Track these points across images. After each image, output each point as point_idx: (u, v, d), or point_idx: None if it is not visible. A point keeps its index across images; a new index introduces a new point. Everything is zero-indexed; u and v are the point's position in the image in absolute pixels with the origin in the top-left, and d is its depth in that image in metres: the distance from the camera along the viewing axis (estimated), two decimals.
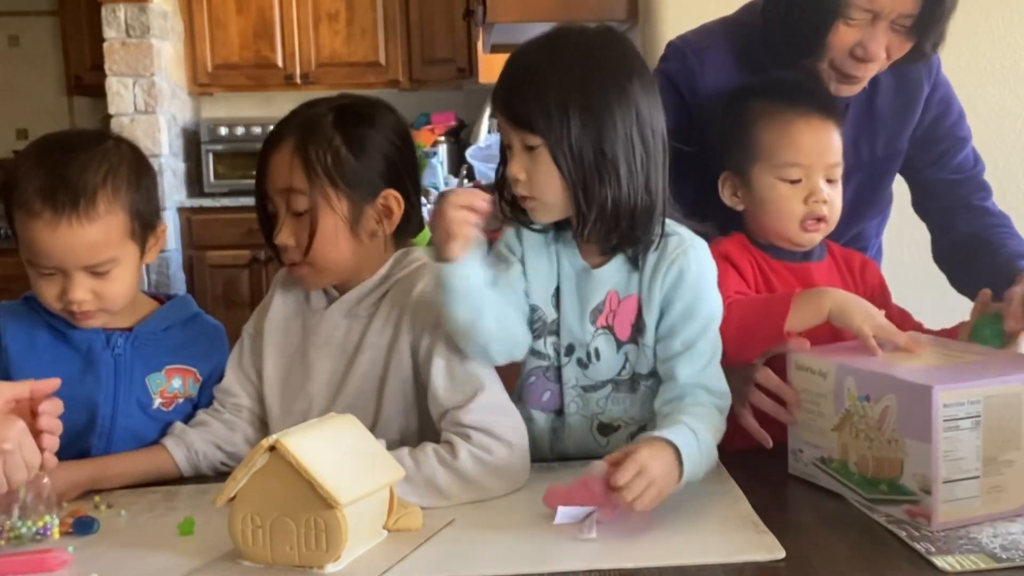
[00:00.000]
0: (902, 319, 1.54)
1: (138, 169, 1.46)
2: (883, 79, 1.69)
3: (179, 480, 1.45)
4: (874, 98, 1.70)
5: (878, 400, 1.22)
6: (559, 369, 1.42)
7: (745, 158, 1.53)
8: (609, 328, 1.39)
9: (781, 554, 1.11)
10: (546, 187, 1.32)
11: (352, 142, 1.42)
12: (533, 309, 1.42)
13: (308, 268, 1.44)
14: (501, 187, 1.39)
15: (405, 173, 1.47)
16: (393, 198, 1.45)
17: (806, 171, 1.49)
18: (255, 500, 1.12)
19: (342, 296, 1.48)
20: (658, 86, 1.69)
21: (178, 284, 5.05)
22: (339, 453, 1.15)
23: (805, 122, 1.50)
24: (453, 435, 1.33)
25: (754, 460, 1.40)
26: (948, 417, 1.15)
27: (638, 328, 1.38)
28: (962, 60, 2.59)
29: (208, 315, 1.62)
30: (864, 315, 1.34)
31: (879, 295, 1.58)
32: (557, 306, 1.41)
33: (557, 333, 1.41)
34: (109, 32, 4.86)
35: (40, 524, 1.20)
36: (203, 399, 1.54)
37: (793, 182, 1.50)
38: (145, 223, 1.45)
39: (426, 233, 1.54)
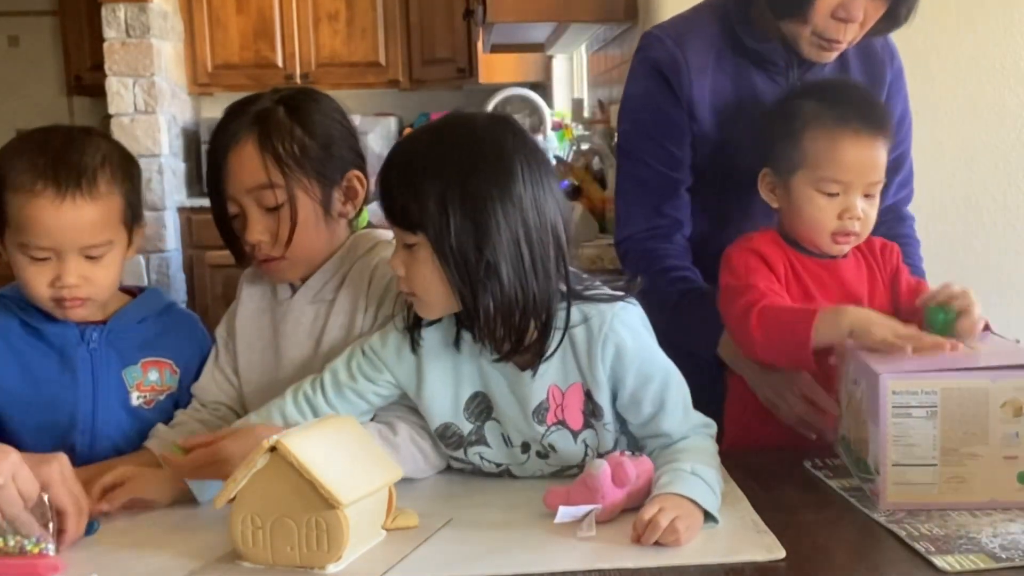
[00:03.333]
0: (917, 288, 1.56)
1: (129, 160, 1.48)
2: (851, 56, 1.72)
3: None
4: (846, 72, 1.72)
5: (859, 383, 1.31)
6: (505, 469, 1.38)
7: (788, 162, 1.53)
8: (561, 423, 1.33)
9: (781, 554, 1.11)
10: (426, 284, 1.26)
11: (310, 130, 1.44)
12: (445, 428, 1.36)
13: (285, 261, 1.45)
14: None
15: (357, 153, 1.50)
16: (356, 178, 1.48)
17: (845, 187, 1.49)
18: (255, 501, 1.12)
19: (305, 284, 1.50)
20: (643, 74, 1.72)
21: (178, 284, 5.05)
22: (339, 453, 1.15)
23: (854, 138, 1.48)
24: (394, 416, 1.38)
25: (754, 460, 1.40)
26: (898, 404, 1.22)
27: (591, 413, 1.32)
28: (962, 60, 2.60)
29: (181, 306, 1.62)
30: (885, 328, 1.32)
31: (898, 273, 1.59)
32: (481, 412, 1.35)
33: (483, 442, 1.36)
34: (109, 32, 4.86)
35: (36, 550, 1.17)
36: (184, 392, 1.54)
37: (830, 195, 1.49)
38: (135, 214, 1.47)
39: (365, 215, 1.57)
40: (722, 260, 1.55)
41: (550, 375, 1.32)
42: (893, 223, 1.77)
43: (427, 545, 1.17)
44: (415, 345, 1.35)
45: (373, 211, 1.46)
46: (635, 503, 1.21)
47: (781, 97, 1.62)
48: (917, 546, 1.12)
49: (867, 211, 1.51)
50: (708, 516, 1.18)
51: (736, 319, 1.47)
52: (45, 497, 1.18)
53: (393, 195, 1.26)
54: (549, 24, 3.56)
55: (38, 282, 1.40)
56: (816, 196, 1.50)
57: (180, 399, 1.54)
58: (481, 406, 1.36)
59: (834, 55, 1.63)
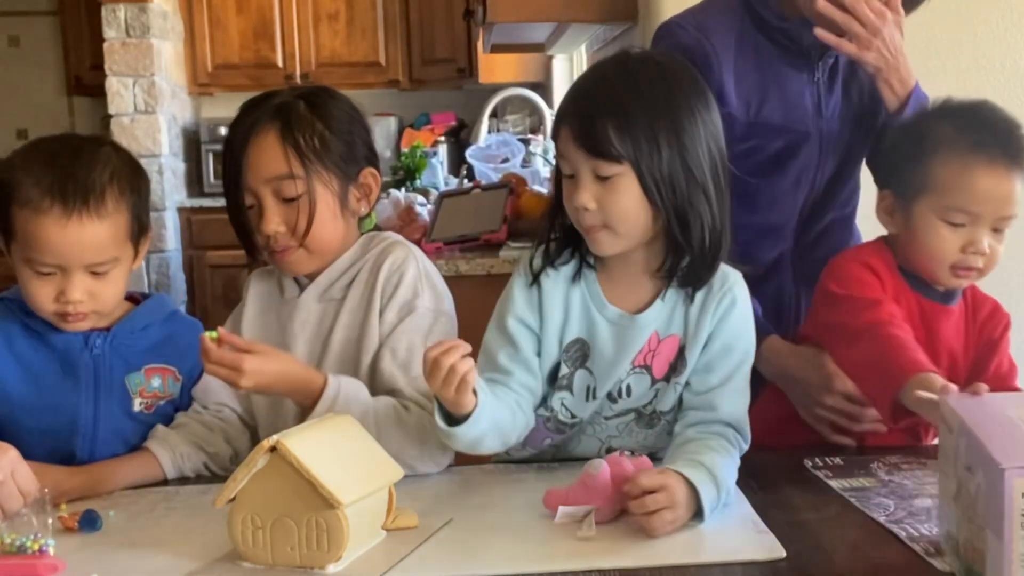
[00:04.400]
0: (1009, 372, 1.49)
1: (138, 173, 1.47)
2: None
3: (179, 481, 1.45)
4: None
5: (973, 472, 0.99)
6: (568, 424, 1.39)
7: (912, 186, 1.44)
8: (646, 367, 1.35)
9: (781, 554, 1.11)
10: (625, 215, 1.27)
11: (330, 124, 1.46)
12: (555, 367, 1.37)
13: (302, 251, 1.46)
14: (554, 217, 1.36)
15: (372, 152, 1.52)
16: (371, 175, 1.50)
17: (973, 219, 1.40)
18: (255, 501, 1.12)
19: (313, 282, 1.50)
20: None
21: (178, 284, 5.05)
22: (339, 453, 1.15)
23: (988, 167, 1.39)
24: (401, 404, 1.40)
25: (754, 460, 1.40)
26: None
27: (674, 367, 1.35)
28: (962, 60, 2.60)
29: (185, 313, 1.62)
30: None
31: (997, 346, 1.50)
32: (577, 359, 1.36)
33: (570, 388, 1.37)
34: (109, 32, 4.87)
35: (35, 547, 1.18)
36: (185, 399, 1.54)
37: (956, 225, 1.41)
38: (141, 227, 1.47)
39: (374, 217, 1.58)
40: (831, 267, 1.51)
41: (658, 321, 1.34)
42: None
43: (427, 545, 1.17)
44: (537, 279, 1.35)
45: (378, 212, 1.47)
46: None
47: (911, 117, 1.54)
48: (917, 547, 1.11)
49: (993, 247, 1.42)
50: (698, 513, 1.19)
51: (855, 332, 1.39)
52: (46, 495, 1.19)
53: (593, 127, 1.26)
54: (549, 24, 3.56)
55: (42, 296, 1.40)
56: (940, 225, 1.41)
57: (181, 405, 1.53)
58: (578, 353, 1.37)
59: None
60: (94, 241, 1.38)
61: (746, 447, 1.34)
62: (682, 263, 1.31)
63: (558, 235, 1.36)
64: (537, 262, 1.37)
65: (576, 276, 1.36)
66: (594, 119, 1.26)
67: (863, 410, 1.48)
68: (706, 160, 1.28)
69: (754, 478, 1.33)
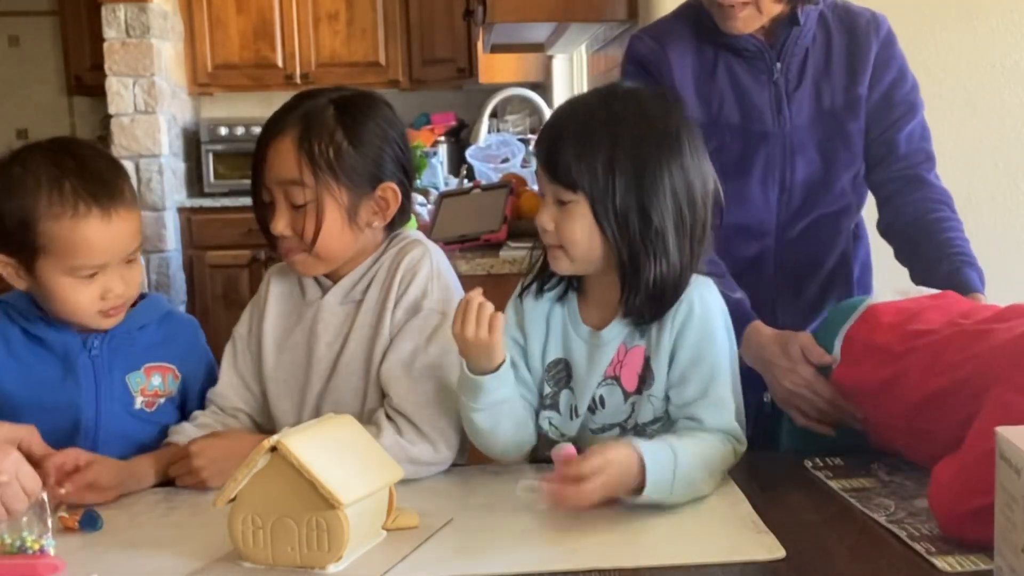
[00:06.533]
0: None
1: (117, 162, 1.51)
2: (835, 36, 1.74)
3: None
4: (830, 48, 1.74)
5: (1018, 503, 0.92)
6: (557, 442, 1.38)
7: None
8: (615, 379, 1.36)
9: (781, 554, 1.11)
10: (575, 240, 1.29)
11: (353, 136, 1.44)
12: (540, 385, 1.40)
13: (307, 255, 1.46)
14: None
15: (401, 166, 1.49)
16: (391, 190, 1.47)
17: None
18: (256, 501, 1.12)
19: (336, 284, 1.51)
20: (629, 72, 1.77)
21: (178, 284, 5.05)
22: (340, 453, 1.16)
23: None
24: (383, 417, 1.41)
25: (754, 460, 1.40)
26: None
27: (643, 379, 1.35)
28: (962, 60, 2.60)
29: (180, 311, 1.63)
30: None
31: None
32: (560, 379, 1.39)
33: (556, 407, 1.39)
34: (109, 32, 4.86)
35: (36, 547, 1.18)
36: (184, 398, 1.54)
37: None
38: None
39: (413, 222, 1.57)
40: (1007, 364, 1.17)
41: (622, 335, 1.35)
42: (907, 187, 1.75)
43: (427, 545, 1.17)
44: (522, 294, 1.40)
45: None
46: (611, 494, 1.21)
47: None
48: (917, 546, 1.12)
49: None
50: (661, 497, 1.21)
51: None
52: (44, 494, 1.19)
53: (557, 153, 1.29)
54: (549, 24, 3.56)
55: (86, 300, 1.42)
56: None
57: (180, 403, 1.54)
58: (562, 373, 1.39)
59: (738, 24, 1.65)
60: (131, 230, 1.44)
61: (741, 448, 1.33)
62: (633, 298, 1.31)
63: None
64: (526, 279, 1.41)
65: (562, 297, 1.39)
66: (559, 145, 1.29)
67: (819, 398, 1.47)
68: (668, 207, 1.28)
69: (754, 478, 1.34)
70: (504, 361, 1.30)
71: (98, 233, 1.39)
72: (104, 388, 1.47)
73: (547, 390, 1.40)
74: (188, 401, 1.55)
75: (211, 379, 1.57)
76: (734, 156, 1.70)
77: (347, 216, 1.44)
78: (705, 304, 1.33)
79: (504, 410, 1.33)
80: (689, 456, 1.24)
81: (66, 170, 1.40)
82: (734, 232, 1.67)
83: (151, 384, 1.51)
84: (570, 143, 1.28)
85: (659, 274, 1.28)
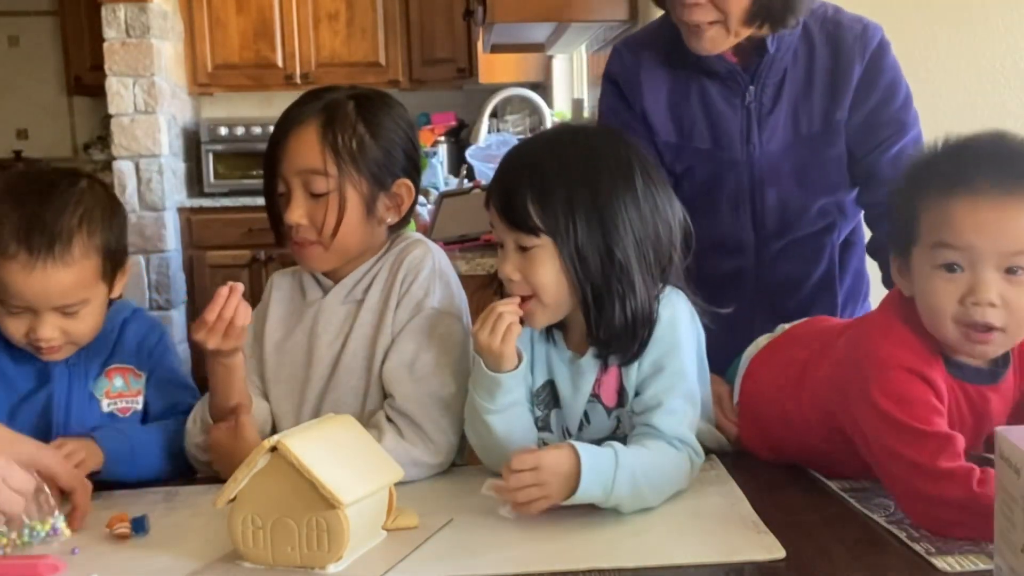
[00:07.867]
0: None
1: (112, 210, 1.47)
2: (819, 52, 1.66)
3: (178, 481, 1.46)
4: (812, 67, 1.66)
5: (1017, 504, 0.91)
6: None
7: (905, 238, 1.24)
8: (596, 396, 1.36)
9: (781, 554, 1.11)
10: (547, 288, 1.28)
11: (373, 130, 1.46)
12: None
13: (320, 247, 1.46)
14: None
15: (414, 164, 1.52)
16: (405, 187, 1.49)
17: (968, 257, 1.17)
18: (256, 501, 1.12)
19: (337, 283, 1.51)
20: (604, 88, 1.73)
21: (178, 284, 5.06)
22: (340, 453, 1.16)
23: (970, 195, 1.17)
24: (384, 420, 1.41)
25: (754, 460, 1.40)
26: None
27: (620, 394, 1.35)
28: (962, 60, 2.60)
29: (146, 312, 1.62)
30: None
31: None
32: (549, 401, 1.39)
33: (548, 429, 1.39)
34: (109, 32, 4.86)
35: (46, 528, 1.19)
36: (149, 397, 1.54)
37: (950, 270, 1.18)
38: (116, 263, 1.47)
39: (413, 226, 1.57)
40: (870, 369, 1.22)
41: (601, 358, 1.35)
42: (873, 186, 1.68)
43: (427, 545, 1.17)
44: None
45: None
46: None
47: (903, 171, 1.35)
48: (917, 547, 1.12)
49: (1009, 297, 1.15)
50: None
51: (933, 476, 1.14)
52: (44, 486, 1.20)
53: (514, 198, 1.28)
54: (549, 24, 3.56)
55: (15, 330, 1.42)
56: (933, 274, 1.19)
57: (145, 405, 1.54)
58: (549, 396, 1.39)
59: (705, 44, 1.57)
60: (59, 287, 1.38)
61: (698, 460, 1.30)
62: (602, 340, 1.31)
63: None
64: None
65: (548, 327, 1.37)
66: (515, 191, 1.29)
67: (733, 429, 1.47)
68: (630, 242, 1.27)
69: (754, 478, 1.34)
70: (518, 365, 1.30)
71: (17, 278, 1.36)
72: (76, 395, 1.48)
73: (538, 413, 1.39)
74: (151, 403, 1.54)
75: (176, 379, 1.57)
76: (704, 180, 1.67)
77: (365, 209, 1.46)
78: (673, 315, 1.32)
79: (518, 412, 1.33)
80: (631, 458, 1.22)
81: (26, 203, 1.38)
82: (709, 246, 1.57)
83: (114, 386, 1.51)
84: (526, 188, 1.28)
85: (629, 313, 1.28)
